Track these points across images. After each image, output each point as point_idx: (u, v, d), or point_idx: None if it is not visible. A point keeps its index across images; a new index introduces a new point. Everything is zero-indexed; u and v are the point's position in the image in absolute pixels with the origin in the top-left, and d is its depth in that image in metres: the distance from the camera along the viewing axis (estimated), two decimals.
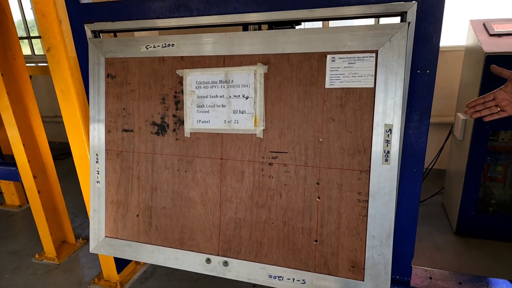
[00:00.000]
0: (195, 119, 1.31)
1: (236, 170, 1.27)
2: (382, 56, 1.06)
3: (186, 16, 1.27)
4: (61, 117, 1.57)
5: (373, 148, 1.10)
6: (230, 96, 1.26)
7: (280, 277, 1.25)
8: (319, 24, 2.74)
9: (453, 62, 2.73)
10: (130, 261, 1.83)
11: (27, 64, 1.96)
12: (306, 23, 1.32)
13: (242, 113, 1.24)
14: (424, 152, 1.11)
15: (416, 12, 1.04)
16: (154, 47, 1.35)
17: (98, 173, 1.49)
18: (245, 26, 1.36)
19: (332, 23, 2.61)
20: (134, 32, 1.65)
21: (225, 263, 1.31)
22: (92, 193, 1.50)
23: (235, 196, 1.28)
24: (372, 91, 1.09)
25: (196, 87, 1.30)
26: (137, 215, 1.44)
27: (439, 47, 1.05)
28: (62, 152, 3.68)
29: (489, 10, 2.84)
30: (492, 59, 1.88)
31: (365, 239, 1.13)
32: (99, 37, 1.45)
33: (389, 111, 1.07)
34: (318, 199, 1.18)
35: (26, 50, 4.43)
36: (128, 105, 1.41)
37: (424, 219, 2.43)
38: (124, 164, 1.44)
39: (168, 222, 1.39)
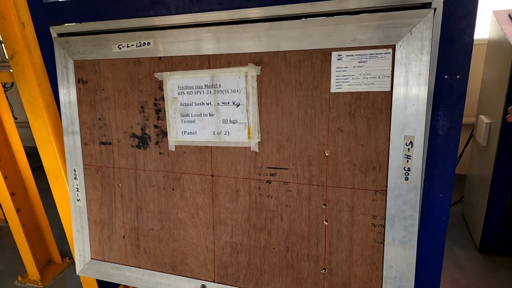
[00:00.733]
0: (180, 130, 1.13)
1: (230, 188, 1.10)
2: (401, 52, 0.86)
3: (164, 15, 1.07)
4: None
5: (390, 164, 0.91)
6: (218, 103, 1.06)
7: None
8: None
9: (473, 57, 2.46)
10: (116, 285, 1.66)
11: None
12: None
13: (233, 123, 1.06)
14: (453, 174, 0.91)
15: (444, 2, 0.82)
16: (127, 47, 1.15)
17: (77, 191, 1.33)
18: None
19: None
20: None
21: None
22: (73, 213, 1.35)
23: (230, 218, 1.12)
24: (388, 96, 0.89)
25: (178, 93, 1.11)
26: (123, 237, 1.29)
27: (472, 46, 0.83)
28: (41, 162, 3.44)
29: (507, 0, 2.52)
30: None
31: (382, 269, 0.97)
32: None
33: (410, 120, 0.88)
34: (325, 223, 1.01)
35: None
36: (103, 114, 1.23)
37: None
38: (105, 180, 1.28)
39: (157, 245, 1.24)
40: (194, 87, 1.08)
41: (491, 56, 1.99)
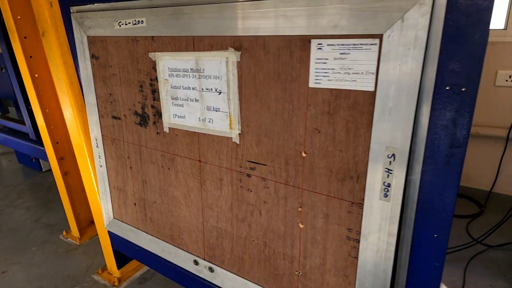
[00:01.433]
0: (171, 113, 1.12)
1: (215, 176, 1.08)
2: (389, 43, 0.68)
3: None
4: None
5: (368, 177, 0.78)
6: (202, 89, 1.01)
7: None
8: None
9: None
10: (129, 259, 1.78)
11: None
12: None
13: (216, 111, 1.00)
14: (452, 211, 0.71)
15: None
16: (126, 24, 1.13)
17: (99, 157, 1.46)
18: None
19: None
20: None
21: (211, 269, 1.21)
22: (98, 176, 1.50)
23: (215, 205, 1.11)
24: (371, 97, 0.74)
25: (169, 75, 1.08)
26: (135, 204, 1.40)
27: (485, 49, 0.60)
28: None
29: None
30: None
31: (355, 284, 0.88)
32: None
33: (394, 129, 0.72)
34: (301, 225, 0.94)
35: None
36: (113, 90, 1.28)
37: (500, 271, 1.71)
38: (118, 152, 1.37)
39: (159, 217, 1.32)
40: (182, 70, 1.04)
41: None
